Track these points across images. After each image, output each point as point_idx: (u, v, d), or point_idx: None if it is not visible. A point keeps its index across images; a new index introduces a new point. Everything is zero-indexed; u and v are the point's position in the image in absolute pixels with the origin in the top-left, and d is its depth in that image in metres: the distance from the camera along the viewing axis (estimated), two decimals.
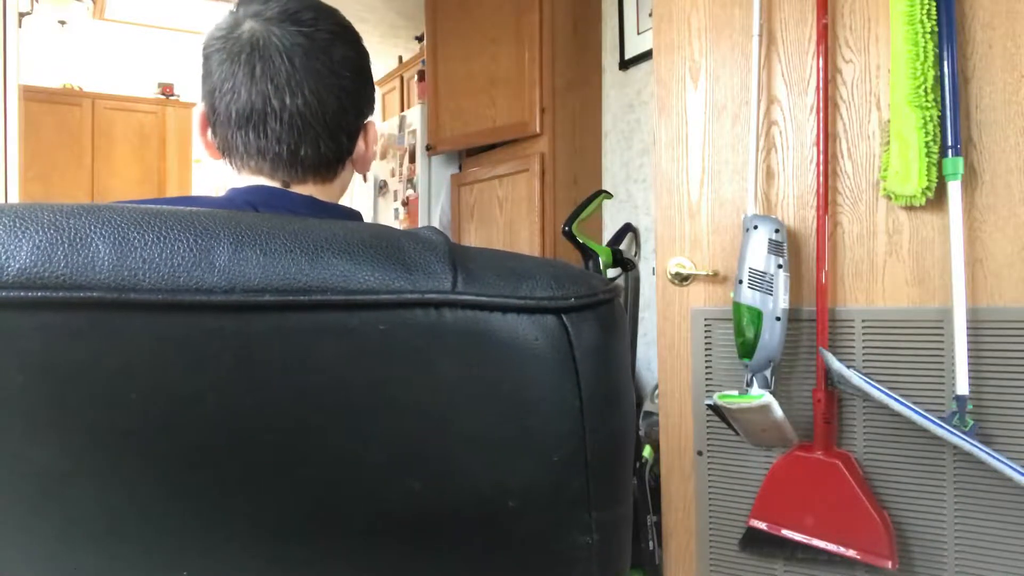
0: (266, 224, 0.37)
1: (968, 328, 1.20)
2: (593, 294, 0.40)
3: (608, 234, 2.56)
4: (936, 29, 1.21)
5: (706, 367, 1.52)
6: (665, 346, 1.58)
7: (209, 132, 0.78)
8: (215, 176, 5.53)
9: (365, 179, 3.71)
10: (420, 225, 3.16)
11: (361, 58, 0.79)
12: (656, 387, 1.68)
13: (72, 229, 0.33)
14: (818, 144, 1.36)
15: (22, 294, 0.32)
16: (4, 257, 0.32)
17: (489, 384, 0.38)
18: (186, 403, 0.35)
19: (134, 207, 0.36)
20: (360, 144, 0.80)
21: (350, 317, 0.36)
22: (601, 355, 0.40)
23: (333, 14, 0.77)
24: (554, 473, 0.40)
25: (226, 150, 0.76)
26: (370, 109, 0.81)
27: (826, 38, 1.36)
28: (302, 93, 0.72)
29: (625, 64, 2.48)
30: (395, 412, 0.37)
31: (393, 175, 3.45)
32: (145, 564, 0.38)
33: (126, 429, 0.35)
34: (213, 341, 0.34)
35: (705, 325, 1.52)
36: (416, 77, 3.68)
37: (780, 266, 1.32)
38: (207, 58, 0.75)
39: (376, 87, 4.53)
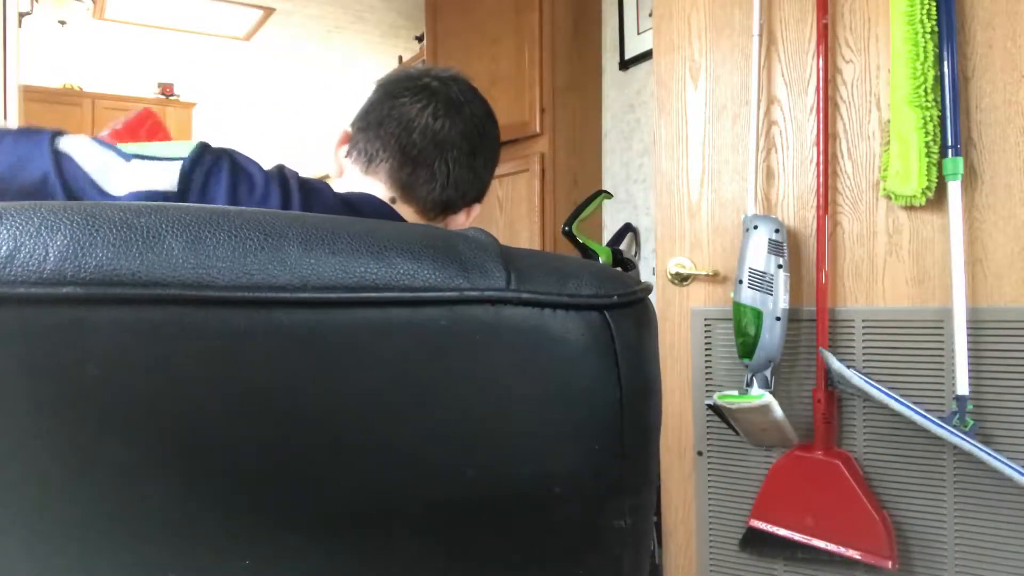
0: (331, 224, 0.39)
1: (968, 328, 1.20)
2: (632, 292, 0.42)
3: (608, 234, 2.56)
4: (936, 29, 1.21)
5: (706, 367, 1.52)
6: (665, 346, 1.58)
7: (342, 149, 0.88)
8: None
9: None
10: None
11: (498, 148, 0.92)
12: None
13: (144, 227, 0.34)
14: (818, 144, 1.36)
15: (99, 290, 0.33)
16: (80, 254, 0.33)
17: (541, 377, 0.40)
18: (258, 397, 0.36)
19: (201, 207, 0.38)
20: (462, 216, 0.90)
21: (415, 313, 0.37)
22: (638, 350, 0.42)
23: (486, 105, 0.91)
24: (595, 461, 0.42)
25: (362, 152, 0.85)
26: (483, 196, 0.92)
27: (826, 38, 1.36)
28: (456, 123, 0.84)
29: (625, 64, 2.48)
30: (453, 405, 0.39)
31: None
32: (211, 556, 0.39)
33: (198, 423, 0.36)
34: (285, 337, 0.36)
35: (705, 325, 1.52)
36: None
37: (780, 266, 1.32)
38: (388, 95, 0.86)
39: None
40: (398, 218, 0.83)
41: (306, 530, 0.39)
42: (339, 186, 0.87)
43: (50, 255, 0.33)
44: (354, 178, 0.86)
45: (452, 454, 0.40)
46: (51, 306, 0.33)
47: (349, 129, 0.89)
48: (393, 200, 0.84)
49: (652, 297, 2.24)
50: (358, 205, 0.80)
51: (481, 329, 0.39)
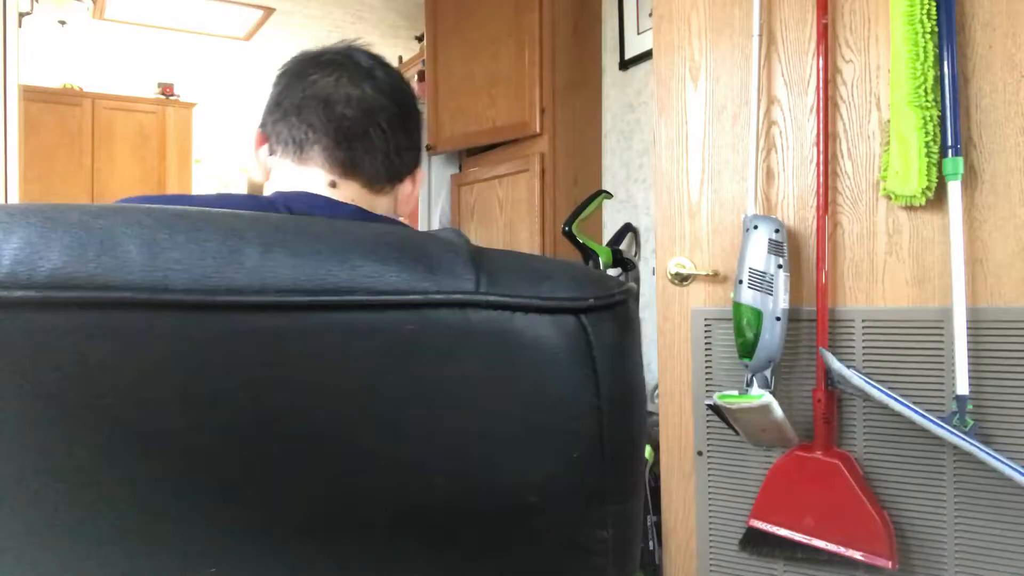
0: (293, 225, 0.38)
1: (968, 328, 1.20)
2: (610, 295, 0.41)
3: (608, 234, 2.56)
4: (936, 29, 1.21)
5: (706, 367, 1.52)
6: (665, 346, 1.58)
7: (263, 149, 0.82)
8: (215, 176, 5.53)
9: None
10: (420, 225, 3.16)
11: (419, 112, 0.86)
12: (656, 387, 1.68)
13: (102, 230, 0.34)
14: (818, 144, 1.36)
15: (55, 294, 0.32)
16: (35, 258, 0.32)
17: (513, 383, 0.39)
18: (218, 402, 0.36)
19: (162, 208, 0.37)
20: (407, 183, 0.84)
21: (379, 317, 0.36)
22: (617, 354, 0.41)
23: (392, 70, 0.84)
24: (574, 469, 0.41)
25: (283, 142, 0.79)
26: (419, 161, 0.86)
27: (826, 38, 1.36)
28: (376, 88, 0.78)
29: (625, 64, 2.48)
30: (422, 410, 0.38)
31: None
32: (175, 562, 0.38)
33: (158, 428, 0.35)
34: (244, 341, 0.35)
35: (705, 325, 1.52)
36: (416, 77, 3.68)
37: (780, 266, 1.32)
38: (296, 75, 0.80)
39: None
40: (335, 210, 0.77)
41: (270, 536, 0.39)
42: (270, 188, 0.80)
43: (4, 259, 0.32)
44: (287, 172, 0.79)
45: (421, 462, 0.39)
46: (5, 311, 0.32)
47: (261, 129, 0.82)
48: (334, 184, 0.78)
49: (652, 297, 2.25)
50: (291, 206, 0.75)
51: (450, 333, 0.38)
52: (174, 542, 0.38)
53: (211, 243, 0.35)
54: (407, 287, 0.37)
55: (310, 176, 0.77)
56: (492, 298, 0.38)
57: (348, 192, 0.78)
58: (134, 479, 0.36)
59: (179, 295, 0.33)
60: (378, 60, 0.82)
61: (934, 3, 1.21)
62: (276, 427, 0.37)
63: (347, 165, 0.77)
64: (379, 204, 0.81)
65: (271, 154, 0.80)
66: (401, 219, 0.86)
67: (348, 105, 0.77)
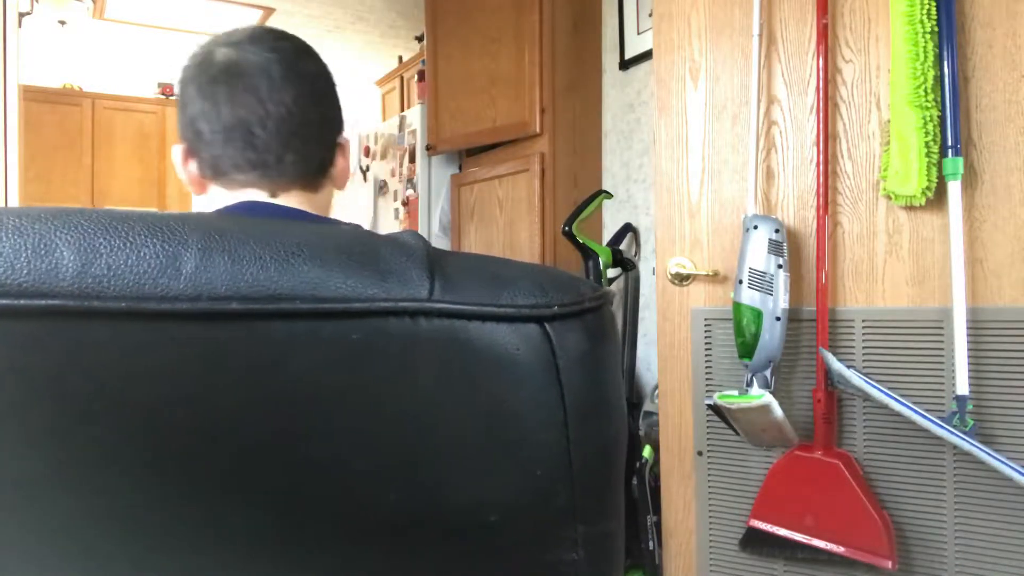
0: (238, 229, 0.36)
1: (968, 328, 1.20)
2: (579, 301, 0.38)
3: (608, 234, 2.56)
4: (936, 29, 1.21)
5: (706, 367, 1.52)
6: (665, 346, 1.58)
7: (192, 164, 0.78)
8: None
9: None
10: (420, 225, 3.16)
11: (329, 75, 0.82)
12: (656, 387, 1.69)
13: (37, 234, 0.32)
14: (818, 144, 1.36)
15: None
16: None
17: (468, 394, 0.37)
18: (155, 413, 0.34)
19: (104, 211, 0.35)
20: (339, 159, 0.83)
21: (321, 326, 0.35)
22: (587, 364, 0.38)
23: (294, 37, 0.80)
24: (537, 487, 0.38)
25: (215, 171, 0.76)
26: (342, 126, 0.84)
27: (826, 38, 1.36)
28: (284, 103, 0.75)
29: (625, 64, 2.48)
30: (372, 421, 0.36)
31: (393, 175, 3.45)
32: (123, 573, 0.37)
33: (95, 439, 0.34)
34: (180, 350, 0.33)
35: (705, 325, 1.52)
36: (416, 77, 3.68)
37: (780, 266, 1.32)
38: (184, 90, 0.76)
39: (376, 87, 4.53)
40: (298, 215, 0.75)
41: (219, 548, 0.37)
42: (209, 204, 0.78)
43: None
44: (220, 197, 0.77)
45: (372, 479, 0.37)
46: None
47: (186, 145, 0.78)
48: (274, 194, 0.76)
49: (652, 297, 2.25)
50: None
51: (397, 343, 0.35)
52: (121, 553, 0.37)
53: (148, 248, 0.33)
54: (352, 294, 0.35)
55: (249, 195, 0.76)
56: (444, 306, 0.36)
57: (289, 200, 0.77)
58: (75, 491, 0.35)
59: (110, 303, 0.32)
60: (266, 44, 0.76)
61: (934, 3, 1.21)
62: (219, 437, 0.35)
63: (280, 182, 0.76)
64: (320, 198, 0.81)
65: (202, 176, 0.78)
66: (337, 193, 0.86)
67: (263, 127, 0.74)
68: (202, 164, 0.77)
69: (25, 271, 0.32)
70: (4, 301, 0.31)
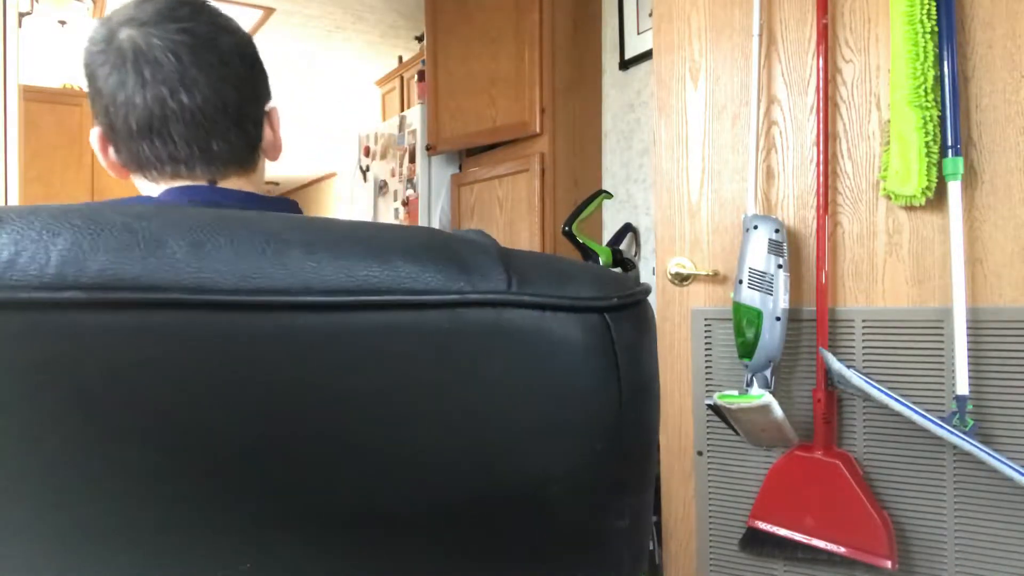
0: (333, 228, 0.39)
1: (968, 328, 1.20)
2: (630, 294, 0.43)
3: (608, 234, 2.56)
4: (936, 29, 1.21)
5: (706, 367, 1.52)
6: (665, 346, 1.58)
7: (111, 151, 0.74)
8: None
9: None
10: (420, 225, 3.16)
11: (248, 46, 0.77)
12: None
13: (145, 231, 0.35)
14: (818, 144, 1.36)
15: (100, 295, 0.33)
16: (82, 258, 0.33)
17: (541, 379, 0.41)
18: (263, 400, 0.36)
19: (199, 211, 0.38)
20: (267, 131, 0.79)
21: (419, 316, 0.38)
22: (637, 351, 0.43)
23: (208, 8, 0.74)
24: (595, 461, 0.42)
25: (137, 164, 0.73)
26: (268, 95, 0.80)
27: (826, 38, 1.36)
28: (198, 89, 0.70)
29: (625, 64, 2.48)
30: (455, 406, 0.40)
31: (393, 175, 3.45)
32: (218, 554, 0.39)
33: (204, 427, 0.36)
34: (289, 341, 0.36)
35: (705, 325, 1.52)
36: (416, 77, 3.68)
37: (780, 266, 1.32)
38: (91, 76, 0.71)
39: (376, 87, 4.53)
40: (227, 198, 0.73)
41: (305, 532, 0.40)
42: (144, 190, 0.74)
43: (52, 260, 0.33)
44: (146, 187, 0.73)
45: (453, 455, 0.40)
46: (53, 311, 0.33)
47: (104, 133, 0.73)
48: (213, 182, 0.73)
49: (652, 297, 2.24)
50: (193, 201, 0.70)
51: (483, 331, 0.39)
52: (212, 538, 0.39)
53: (254, 245, 0.36)
54: (444, 287, 0.38)
55: (183, 184, 0.73)
56: (525, 298, 0.39)
57: (229, 184, 0.75)
58: (174, 478, 0.37)
59: (223, 295, 0.34)
60: (173, 24, 0.70)
61: (934, 3, 1.21)
62: (317, 424, 0.38)
63: (213, 169, 0.73)
64: (257, 176, 0.79)
65: (124, 166, 0.75)
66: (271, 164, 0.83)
67: (180, 120, 0.70)
68: (121, 155, 0.73)
69: (140, 265, 0.34)
70: (120, 294, 0.33)
